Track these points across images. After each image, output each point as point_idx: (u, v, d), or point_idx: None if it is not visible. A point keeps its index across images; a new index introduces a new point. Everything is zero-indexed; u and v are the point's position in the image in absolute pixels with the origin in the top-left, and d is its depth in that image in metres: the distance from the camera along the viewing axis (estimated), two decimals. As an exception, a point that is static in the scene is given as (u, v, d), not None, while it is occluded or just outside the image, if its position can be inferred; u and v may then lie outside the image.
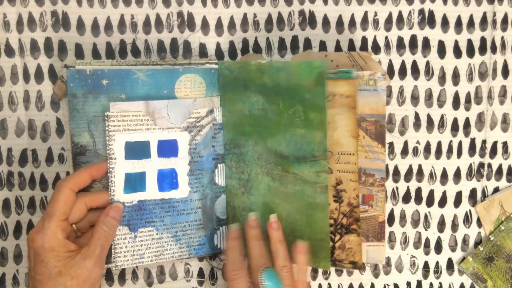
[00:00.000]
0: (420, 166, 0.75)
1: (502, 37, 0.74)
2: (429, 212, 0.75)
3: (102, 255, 0.63)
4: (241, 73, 0.70)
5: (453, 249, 0.76)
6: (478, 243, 0.75)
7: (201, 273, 0.75)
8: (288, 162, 0.69)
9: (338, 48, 0.74)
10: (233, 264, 0.67)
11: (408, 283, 0.76)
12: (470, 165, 0.75)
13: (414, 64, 0.74)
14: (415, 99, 0.74)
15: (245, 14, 0.73)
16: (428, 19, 0.74)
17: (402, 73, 0.74)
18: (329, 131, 0.68)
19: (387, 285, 0.76)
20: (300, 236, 0.70)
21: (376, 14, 0.73)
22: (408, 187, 0.75)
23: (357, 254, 0.71)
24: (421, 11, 0.74)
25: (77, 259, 0.61)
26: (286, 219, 0.70)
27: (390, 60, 0.74)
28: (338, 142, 0.69)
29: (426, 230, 0.75)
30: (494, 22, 0.74)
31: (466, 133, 0.75)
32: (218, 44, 0.73)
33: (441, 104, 0.74)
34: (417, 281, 0.76)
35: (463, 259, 0.75)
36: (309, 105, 0.67)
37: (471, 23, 0.74)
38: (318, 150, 0.67)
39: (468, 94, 0.74)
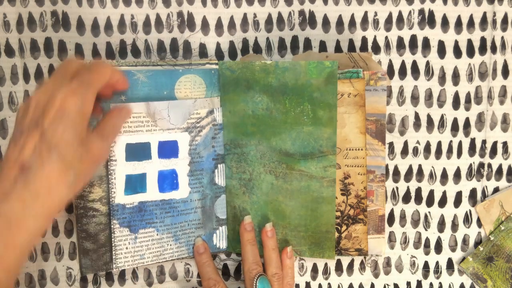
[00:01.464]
0: (420, 166, 0.75)
1: (502, 37, 0.74)
2: (429, 212, 0.75)
3: (111, 137, 0.61)
4: (243, 73, 0.70)
5: (453, 249, 0.76)
6: (478, 243, 0.76)
7: (201, 273, 0.75)
8: (293, 159, 0.70)
9: (338, 48, 0.73)
10: (208, 279, 0.71)
11: (408, 283, 0.76)
12: (470, 165, 0.75)
13: (414, 64, 0.74)
14: (415, 99, 0.74)
15: (245, 14, 0.73)
16: (428, 19, 0.74)
17: (402, 73, 0.74)
18: (338, 129, 0.70)
19: (387, 285, 0.76)
20: (305, 230, 0.71)
21: (376, 14, 0.73)
22: (408, 187, 0.75)
23: (363, 242, 0.72)
24: (421, 11, 0.74)
25: (93, 135, 0.57)
26: (289, 215, 0.72)
27: (390, 60, 0.74)
28: (346, 138, 0.70)
29: (426, 230, 0.76)
30: (494, 22, 0.74)
31: (466, 133, 0.75)
32: (218, 44, 0.73)
33: (441, 104, 0.74)
34: (417, 281, 0.76)
35: (463, 259, 0.75)
36: (318, 103, 0.68)
37: (471, 23, 0.74)
38: (327, 146, 0.69)
39: (468, 94, 0.74)
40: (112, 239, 0.68)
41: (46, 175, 0.51)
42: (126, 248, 0.68)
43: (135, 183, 0.68)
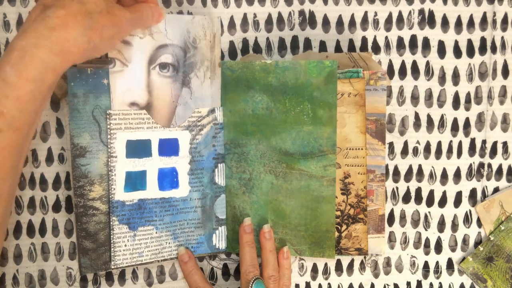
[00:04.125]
0: (420, 166, 0.75)
1: (502, 37, 0.74)
2: (429, 212, 0.75)
3: (136, 22, 0.62)
4: (244, 73, 0.70)
5: (453, 249, 0.76)
6: (478, 243, 0.75)
7: (201, 273, 0.75)
8: (293, 159, 0.70)
9: (338, 48, 0.74)
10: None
11: (408, 283, 0.76)
12: (470, 165, 0.75)
13: (414, 64, 0.74)
14: (415, 99, 0.74)
15: (245, 14, 0.73)
16: (428, 19, 0.74)
17: (402, 73, 0.74)
18: (338, 128, 0.70)
19: (387, 285, 0.76)
20: (305, 230, 0.71)
21: (376, 14, 0.73)
22: (408, 187, 0.75)
23: (363, 241, 0.72)
24: (421, 11, 0.74)
25: (120, 6, 0.59)
26: (289, 215, 0.72)
27: (390, 60, 0.74)
28: (346, 138, 0.70)
29: (426, 230, 0.75)
30: (494, 22, 0.74)
31: (466, 133, 0.75)
32: (218, 44, 0.73)
33: (441, 104, 0.74)
34: (417, 281, 0.76)
35: (463, 259, 0.75)
36: (318, 103, 0.69)
37: (471, 23, 0.74)
38: (326, 145, 0.69)
39: (468, 94, 0.74)
40: (111, 236, 0.68)
41: (64, 13, 0.53)
42: (125, 245, 0.68)
43: (135, 180, 0.68)
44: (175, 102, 0.69)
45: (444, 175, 0.75)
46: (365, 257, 0.75)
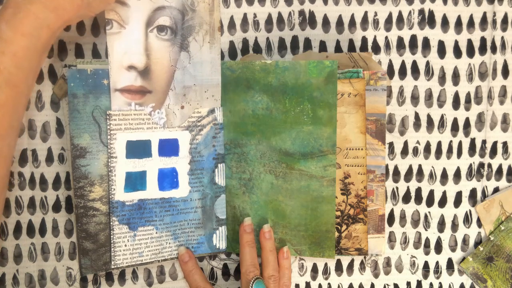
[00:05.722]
0: (420, 166, 0.75)
1: (502, 37, 0.74)
2: (429, 212, 0.75)
3: None
4: (243, 73, 0.70)
5: (453, 249, 0.76)
6: (478, 243, 0.75)
7: (201, 273, 0.75)
8: (293, 159, 0.70)
9: (338, 48, 0.74)
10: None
11: (408, 283, 0.76)
12: (470, 165, 0.75)
13: (414, 64, 0.74)
14: (415, 99, 0.74)
15: (245, 14, 0.73)
16: (428, 19, 0.74)
17: (402, 73, 0.74)
18: (338, 128, 0.70)
19: (387, 285, 0.76)
20: (305, 230, 0.71)
21: (376, 14, 0.73)
22: (408, 187, 0.75)
23: (363, 241, 0.72)
24: (421, 11, 0.74)
25: None
26: (289, 215, 0.72)
27: (390, 60, 0.74)
28: (346, 138, 0.70)
29: (426, 230, 0.75)
30: (494, 22, 0.74)
31: (466, 133, 0.75)
32: (218, 44, 0.73)
33: (441, 104, 0.74)
34: (417, 281, 0.76)
35: (463, 259, 0.75)
36: (318, 103, 0.69)
37: (471, 23, 0.74)
38: (326, 145, 0.69)
39: (468, 94, 0.74)
40: (111, 236, 0.68)
41: None
42: (125, 245, 0.68)
43: (135, 181, 0.68)
44: (173, 66, 0.69)
45: (444, 175, 0.75)
46: (365, 257, 0.75)
